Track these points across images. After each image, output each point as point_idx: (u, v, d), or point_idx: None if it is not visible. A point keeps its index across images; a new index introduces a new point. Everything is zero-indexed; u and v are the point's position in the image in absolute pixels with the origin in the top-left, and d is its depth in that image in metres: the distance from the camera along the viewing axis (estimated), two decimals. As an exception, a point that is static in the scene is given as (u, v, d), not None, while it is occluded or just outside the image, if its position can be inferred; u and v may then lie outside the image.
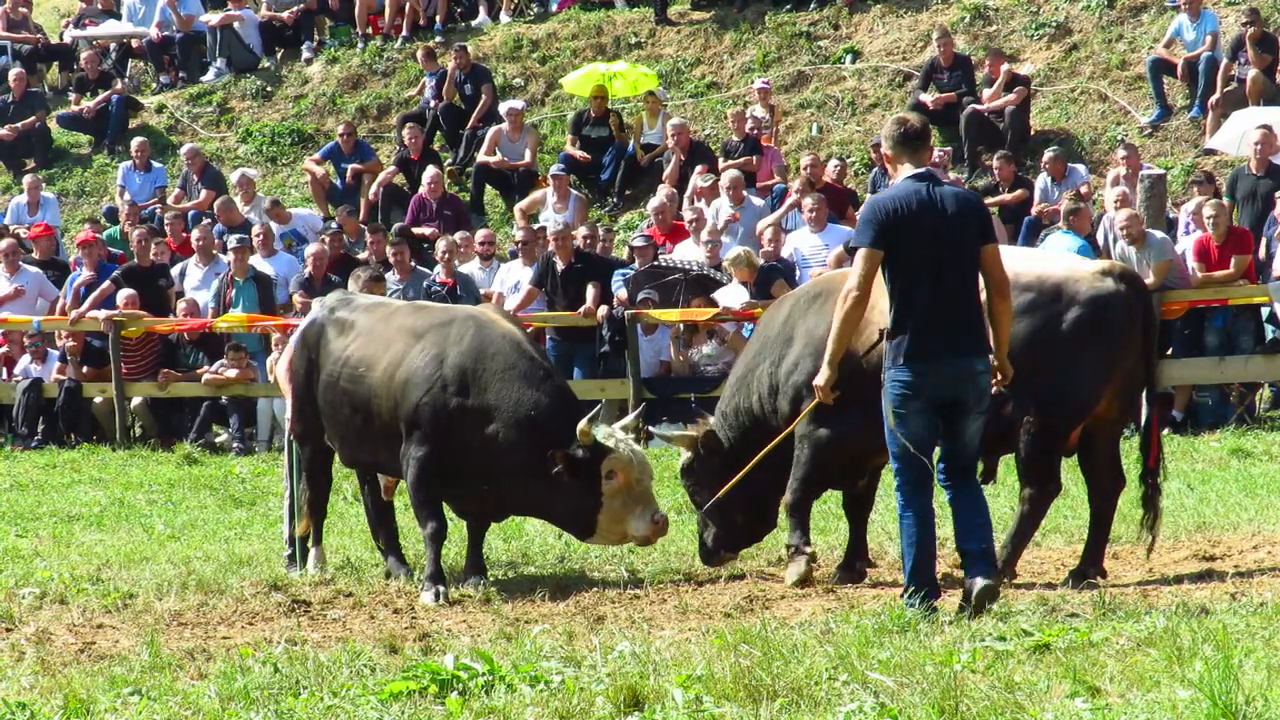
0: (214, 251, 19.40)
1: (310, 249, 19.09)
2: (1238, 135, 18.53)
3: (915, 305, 7.87)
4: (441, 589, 9.49)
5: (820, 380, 8.14)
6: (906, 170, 8.05)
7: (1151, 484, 9.26)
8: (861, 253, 7.95)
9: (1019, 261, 8.89)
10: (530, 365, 9.58)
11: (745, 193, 19.32)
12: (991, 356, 8.02)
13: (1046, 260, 9.84)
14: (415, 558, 10.61)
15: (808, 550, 9.42)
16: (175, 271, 19.46)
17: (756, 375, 9.65)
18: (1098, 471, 9.24)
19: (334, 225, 19.84)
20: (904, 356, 7.87)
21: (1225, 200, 17.24)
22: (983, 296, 8.00)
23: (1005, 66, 20.92)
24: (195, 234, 19.60)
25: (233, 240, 18.98)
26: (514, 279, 18.29)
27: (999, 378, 8.07)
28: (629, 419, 10.16)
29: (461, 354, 9.62)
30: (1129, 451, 9.63)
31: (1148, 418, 9.50)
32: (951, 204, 7.95)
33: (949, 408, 7.94)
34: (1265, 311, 16.18)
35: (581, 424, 9.28)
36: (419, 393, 9.63)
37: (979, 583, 7.83)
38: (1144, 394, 9.45)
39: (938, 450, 8.06)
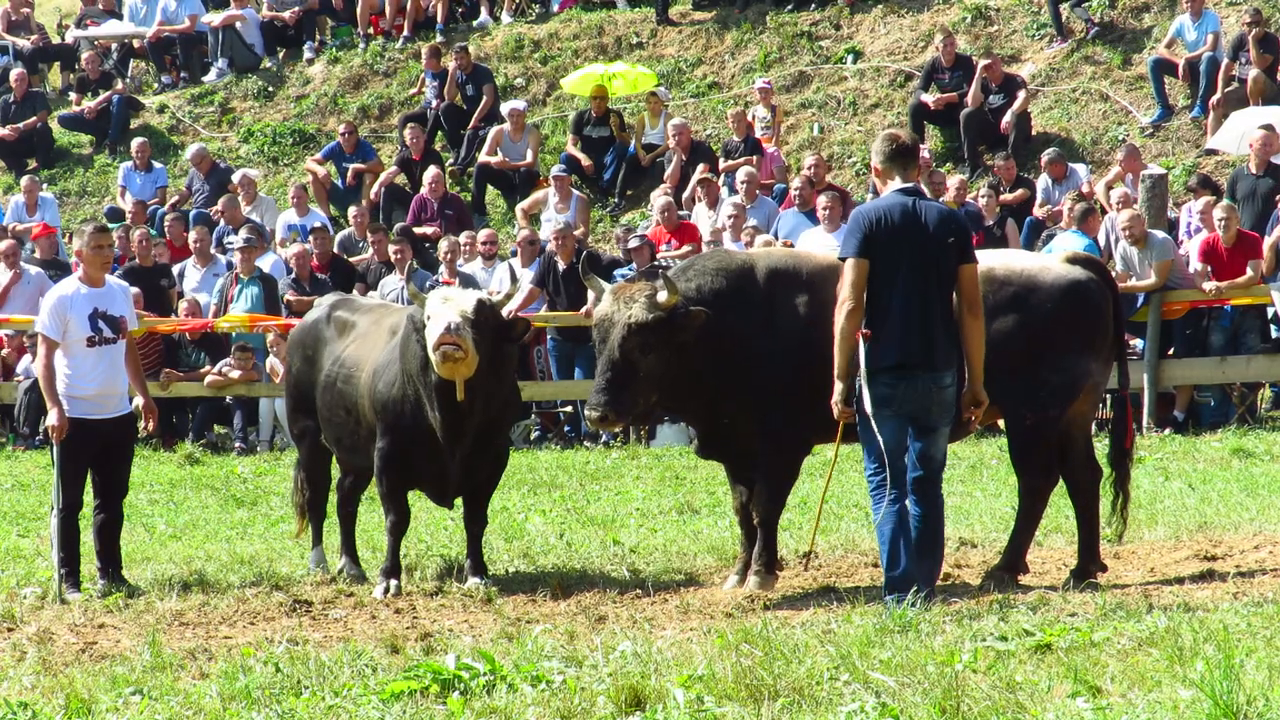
0: (211, 252, 19.45)
1: (292, 249, 19.13)
2: (1238, 135, 18.53)
3: (892, 315, 8.08)
4: (394, 582, 9.63)
5: (836, 397, 8.17)
6: (896, 185, 8.27)
7: (1123, 467, 9.38)
8: (850, 263, 8.14)
9: (989, 258, 8.97)
10: None
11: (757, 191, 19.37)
12: (965, 384, 8.24)
13: (1012, 256, 10.00)
14: (417, 558, 10.63)
15: (779, 573, 9.39)
16: (175, 272, 19.48)
17: (742, 297, 9.17)
18: (1076, 466, 9.29)
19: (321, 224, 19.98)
20: (878, 365, 8.07)
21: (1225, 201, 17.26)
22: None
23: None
24: (193, 235, 19.62)
25: (238, 240, 19.00)
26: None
27: (974, 409, 8.27)
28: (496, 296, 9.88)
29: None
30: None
31: (1120, 400, 9.56)
32: (934, 219, 8.18)
33: (915, 420, 8.18)
34: (1271, 312, 16.18)
35: (411, 287, 9.78)
36: (382, 384, 9.71)
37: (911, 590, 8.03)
38: (1116, 378, 9.54)
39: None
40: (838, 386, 8.15)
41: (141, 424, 10.46)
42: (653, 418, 16.78)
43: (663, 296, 8.93)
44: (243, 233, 19.40)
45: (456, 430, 9.46)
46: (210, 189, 22.17)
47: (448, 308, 9.21)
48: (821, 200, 18.00)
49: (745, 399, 9.13)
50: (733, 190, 19.65)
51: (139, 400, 10.33)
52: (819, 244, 17.16)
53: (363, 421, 9.94)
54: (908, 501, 8.22)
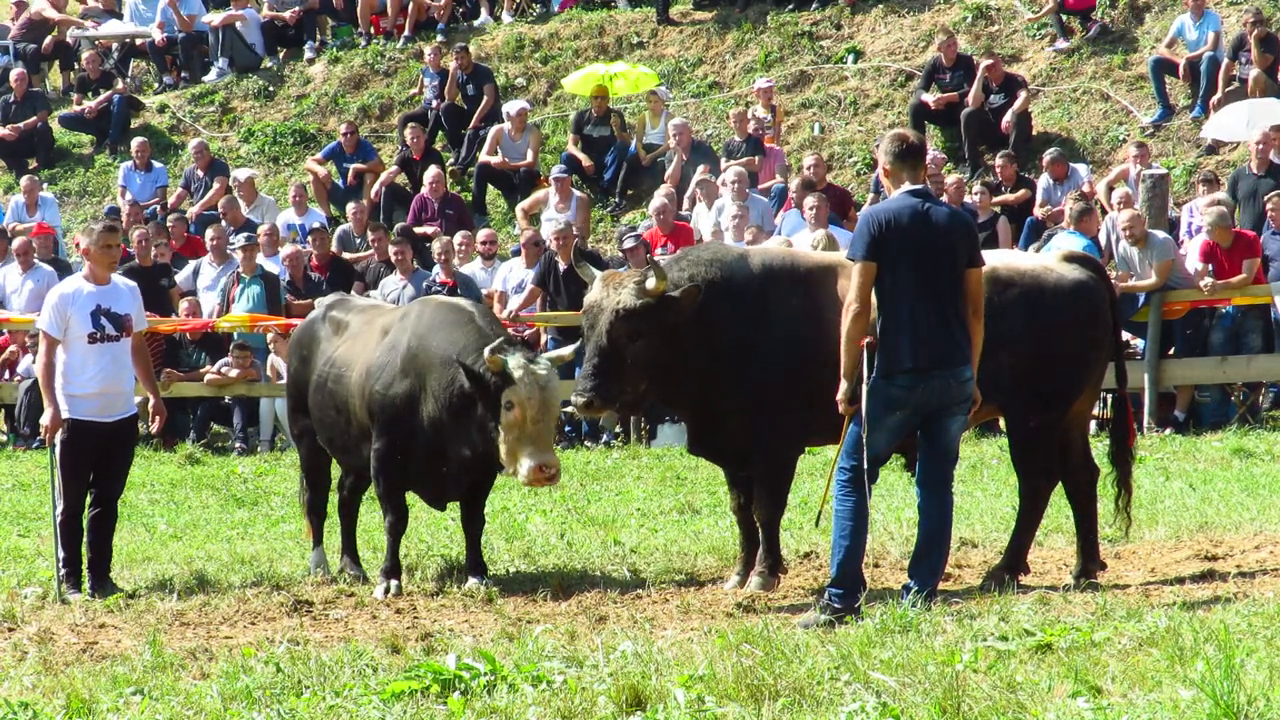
0: (228, 251, 19.44)
1: (285, 250, 19.13)
2: (1238, 121, 18.60)
3: (905, 317, 8.04)
4: (394, 582, 9.64)
5: (841, 395, 8.13)
6: (904, 186, 8.23)
7: (1125, 466, 9.40)
8: (858, 266, 8.11)
9: (990, 259, 8.94)
10: (477, 335, 9.48)
11: (749, 190, 19.35)
12: None
13: (1013, 256, 10.01)
14: (417, 558, 10.63)
15: (782, 574, 9.40)
16: (189, 271, 19.46)
17: (737, 284, 9.12)
18: (1074, 466, 9.30)
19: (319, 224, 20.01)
20: (893, 369, 8.04)
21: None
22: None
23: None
24: (210, 234, 19.61)
25: (240, 239, 19.01)
26: (515, 279, 18.31)
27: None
28: (560, 352, 9.86)
29: (411, 336, 9.64)
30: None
31: (1120, 400, 9.58)
32: (944, 221, 8.16)
33: (933, 413, 8.14)
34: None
35: (488, 350, 9.13)
36: (375, 383, 9.70)
37: (913, 589, 8.06)
38: (1115, 377, 9.57)
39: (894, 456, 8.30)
40: (843, 385, 8.12)
41: (147, 424, 10.42)
42: (651, 415, 16.81)
43: (651, 283, 8.88)
44: (260, 229, 19.45)
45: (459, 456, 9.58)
46: (210, 184, 22.18)
47: (549, 422, 9.20)
48: (809, 201, 18.02)
49: (739, 396, 9.10)
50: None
51: (138, 399, 10.31)
52: (808, 245, 17.19)
53: (353, 421, 9.93)
54: (918, 494, 8.25)
